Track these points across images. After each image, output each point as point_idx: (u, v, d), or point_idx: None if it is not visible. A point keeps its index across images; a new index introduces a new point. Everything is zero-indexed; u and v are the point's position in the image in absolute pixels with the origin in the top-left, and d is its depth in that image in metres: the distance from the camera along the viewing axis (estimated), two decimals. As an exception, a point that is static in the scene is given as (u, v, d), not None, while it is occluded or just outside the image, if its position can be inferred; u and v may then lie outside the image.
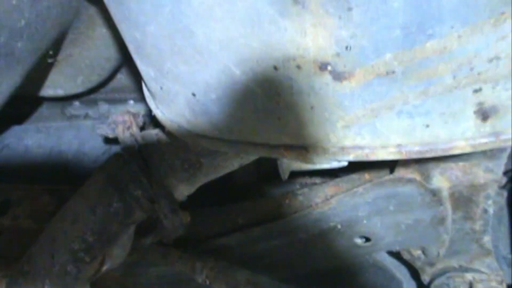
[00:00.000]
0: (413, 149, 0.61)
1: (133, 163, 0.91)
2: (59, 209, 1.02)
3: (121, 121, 0.94)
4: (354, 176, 1.19)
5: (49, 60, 1.01)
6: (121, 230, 0.93)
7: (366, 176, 1.17)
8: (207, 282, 1.03)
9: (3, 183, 1.15)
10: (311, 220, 1.15)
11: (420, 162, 1.07)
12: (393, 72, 0.52)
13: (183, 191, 0.97)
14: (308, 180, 1.52)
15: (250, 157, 0.98)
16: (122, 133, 0.93)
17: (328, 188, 1.20)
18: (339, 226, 1.15)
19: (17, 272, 0.90)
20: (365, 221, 1.14)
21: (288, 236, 1.16)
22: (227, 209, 1.24)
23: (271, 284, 0.98)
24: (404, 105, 0.57)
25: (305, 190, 1.22)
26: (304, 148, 0.66)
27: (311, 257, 1.22)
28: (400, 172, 1.09)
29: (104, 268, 0.95)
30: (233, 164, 0.97)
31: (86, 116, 1.34)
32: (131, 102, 1.31)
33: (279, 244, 1.17)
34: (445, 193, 1.08)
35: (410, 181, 1.08)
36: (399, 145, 0.62)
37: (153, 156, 0.92)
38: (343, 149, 0.64)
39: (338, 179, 1.21)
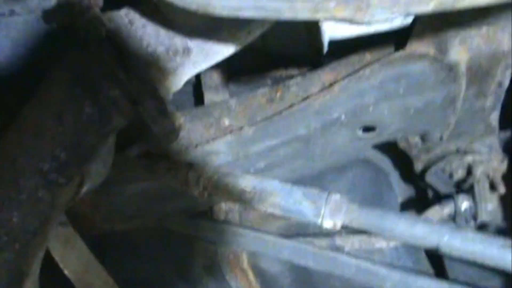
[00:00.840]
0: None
1: (104, 54, 0.69)
2: (7, 120, 0.81)
3: (76, 1, 0.71)
4: (353, 57, 1.03)
5: None
6: (98, 141, 0.73)
7: (368, 56, 1.02)
8: (206, 195, 0.87)
9: None
10: (311, 113, 1.00)
11: (436, 32, 0.92)
12: None
13: (169, 86, 0.77)
14: (284, 72, 1.36)
15: (246, 38, 0.79)
16: (81, 16, 0.70)
17: (325, 75, 1.04)
18: (343, 117, 1.01)
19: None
20: (371, 108, 1.01)
21: (286, 133, 1.01)
22: (209, 109, 1.06)
23: (282, 189, 0.84)
24: None
25: (298, 79, 1.06)
26: (363, 1, 0.48)
27: (309, 156, 1.08)
28: (412, 47, 0.94)
29: (84, 189, 0.76)
30: (228, 48, 0.79)
31: (11, 13, 1.07)
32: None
33: (276, 144, 1.02)
34: (462, 67, 0.96)
35: (423, 56, 0.95)
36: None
37: (128, 44, 0.71)
38: (419, -5, 0.47)
39: (334, 63, 1.05)
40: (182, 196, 1.06)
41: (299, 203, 0.82)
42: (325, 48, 0.56)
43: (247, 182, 0.85)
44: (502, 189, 1.13)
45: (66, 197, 0.73)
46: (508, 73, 0.99)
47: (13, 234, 0.70)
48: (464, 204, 1.19)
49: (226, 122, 1.04)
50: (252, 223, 1.36)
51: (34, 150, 0.69)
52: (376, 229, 0.86)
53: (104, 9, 0.74)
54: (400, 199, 1.54)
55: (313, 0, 0.49)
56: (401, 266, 1.23)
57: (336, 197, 0.82)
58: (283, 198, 0.83)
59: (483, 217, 1.16)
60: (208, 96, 1.27)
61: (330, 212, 0.80)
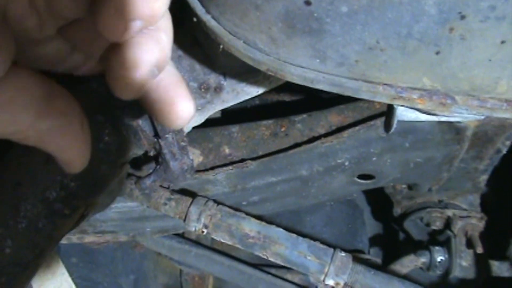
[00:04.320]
0: None
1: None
2: None
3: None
4: (362, 104, 1.02)
5: None
6: (112, 172, 0.68)
7: (377, 105, 1.01)
8: (204, 232, 0.83)
9: None
10: (316, 155, 0.98)
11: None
12: None
13: (192, 122, 0.73)
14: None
15: (279, 81, 0.76)
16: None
17: (331, 116, 1.02)
18: (346, 163, 0.99)
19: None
20: (374, 158, 1.00)
21: (288, 172, 0.99)
22: (208, 133, 1.01)
23: (287, 239, 0.81)
24: None
25: (304, 116, 1.03)
26: (451, 97, 0.46)
27: (303, 195, 1.06)
28: (425, 105, 0.94)
29: (83, 221, 0.70)
30: (258, 89, 0.75)
31: None
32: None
33: (276, 181, 0.99)
34: (468, 132, 0.97)
35: (435, 116, 0.94)
36: None
37: (161, 74, 0.66)
38: (508, 102, 0.46)
39: (342, 106, 1.03)
40: (164, 217, 1.01)
41: (303, 256, 0.79)
42: (392, 129, 0.54)
43: (251, 226, 0.82)
44: (480, 249, 1.15)
45: (66, 228, 0.67)
46: (508, 143, 1.01)
47: (1, 266, 0.63)
48: (440, 257, 1.21)
49: (227, 150, 1.00)
50: (223, 246, 1.32)
51: (43, 176, 0.63)
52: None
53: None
54: (369, 235, 1.56)
55: (396, 89, 0.47)
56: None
57: (341, 254, 0.80)
58: (288, 249, 0.80)
59: (457, 272, 1.18)
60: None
61: (335, 270, 0.78)
